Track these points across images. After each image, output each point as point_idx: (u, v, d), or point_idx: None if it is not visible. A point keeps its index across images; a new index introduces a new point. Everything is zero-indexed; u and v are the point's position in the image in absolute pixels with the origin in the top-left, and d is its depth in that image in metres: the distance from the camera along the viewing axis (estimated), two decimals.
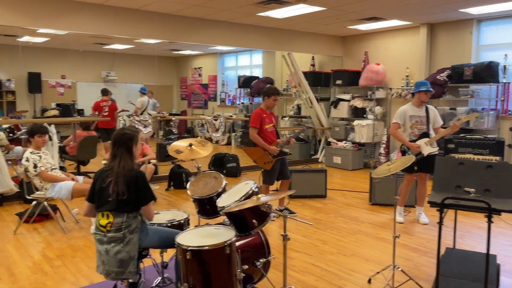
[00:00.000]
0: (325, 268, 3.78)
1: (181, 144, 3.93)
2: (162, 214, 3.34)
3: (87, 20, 6.61)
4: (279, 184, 5.43)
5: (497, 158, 6.57)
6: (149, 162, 6.14)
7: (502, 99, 7.27)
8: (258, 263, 2.96)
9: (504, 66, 7.21)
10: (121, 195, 2.68)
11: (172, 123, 8.59)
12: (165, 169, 7.62)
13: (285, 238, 2.80)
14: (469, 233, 4.80)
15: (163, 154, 8.99)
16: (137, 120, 7.55)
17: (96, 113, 8.69)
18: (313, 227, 4.98)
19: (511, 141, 7.16)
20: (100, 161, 7.18)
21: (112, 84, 13.87)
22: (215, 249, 2.57)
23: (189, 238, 2.70)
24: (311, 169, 6.51)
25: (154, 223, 3.03)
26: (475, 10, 6.90)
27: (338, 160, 8.94)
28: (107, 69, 14.15)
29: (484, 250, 3.86)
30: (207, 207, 3.34)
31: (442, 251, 3.58)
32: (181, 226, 3.16)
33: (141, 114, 9.37)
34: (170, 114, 12.09)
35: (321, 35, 9.46)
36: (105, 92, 8.84)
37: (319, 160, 9.64)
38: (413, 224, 5.13)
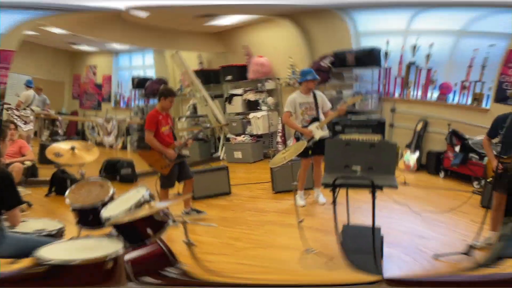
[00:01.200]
0: (251, 264, 3.73)
1: (63, 146, 3.53)
2: (30, 222, 2.90)
3: None
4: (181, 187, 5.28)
5: (378, 137, 7.12)
6: (23, 163, 5.45)
7: (384, 82, 7.77)
8: (167, 273, 2.78)
9: (386, 52, 7.57)
10: None
11: (57, 123, 7.74)
12: (47, 173, 6.65)
13: (188, 245, 2.67)
14: (360, 208, 5.08)
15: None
16: (16, 115, 6.68)
17: None
18: (221, 225, 4.87)
19: (392, 121, 7.67)
20: None
21: None
22: (88, 265, 2.23)
23: (57, 251, 2.32)
24: (212, 168, 6.45)
25: (18, 232, 2.64)
26: None
27: (239, 155, 9.02)
28: None
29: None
30: (90, 218, 3.04)
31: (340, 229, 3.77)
32: (53, 237, 2.77)
33: (24, 109, 8.35)
34: (59, 114, 10.99)
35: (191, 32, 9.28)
36: None
37: (221, 158, 9.63)
38: (314, 206, 5.35)
